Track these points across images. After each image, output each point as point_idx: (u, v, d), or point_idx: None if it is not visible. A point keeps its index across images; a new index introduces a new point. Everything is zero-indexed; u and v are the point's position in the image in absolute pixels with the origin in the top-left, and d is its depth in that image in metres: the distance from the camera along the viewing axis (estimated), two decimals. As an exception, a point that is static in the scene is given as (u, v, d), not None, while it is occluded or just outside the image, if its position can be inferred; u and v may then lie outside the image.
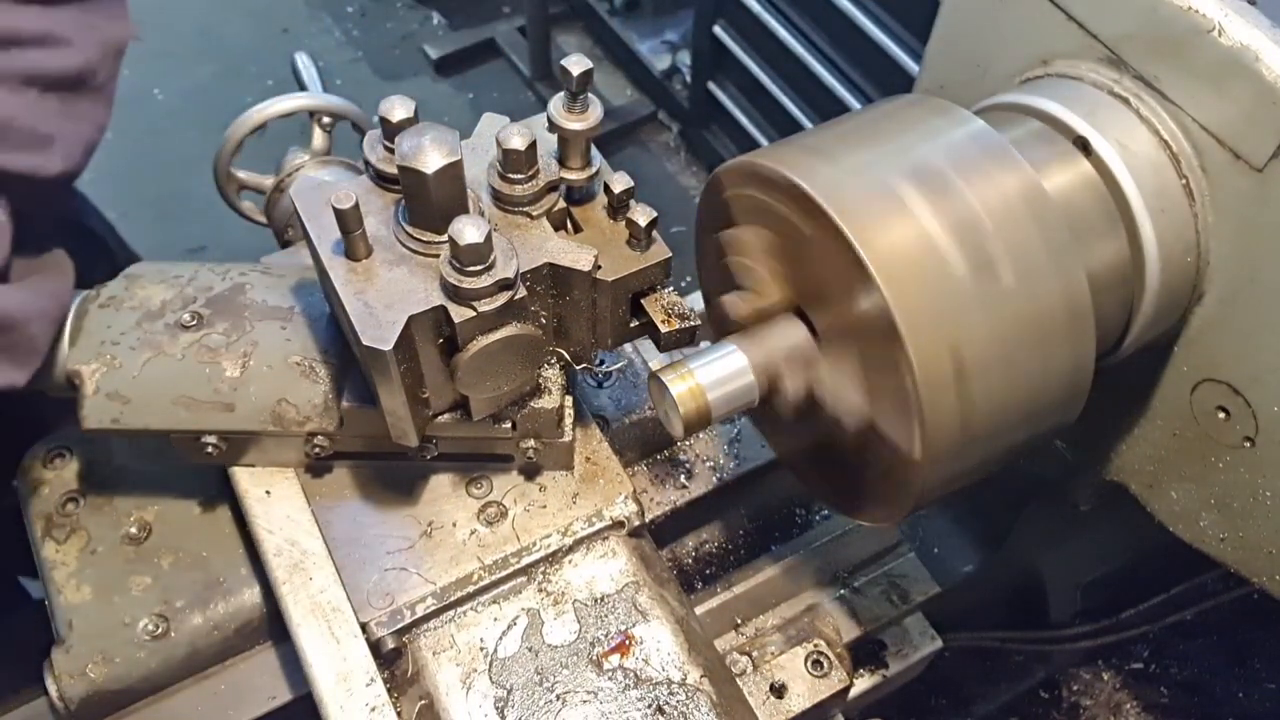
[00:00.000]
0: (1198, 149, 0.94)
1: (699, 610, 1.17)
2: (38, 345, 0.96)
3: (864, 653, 1.26)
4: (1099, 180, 0.96)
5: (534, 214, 0.92)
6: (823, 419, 0.93)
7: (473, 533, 1.02)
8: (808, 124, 2.82)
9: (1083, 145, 0.97)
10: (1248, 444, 1.00)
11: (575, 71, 0.89)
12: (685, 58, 3.44)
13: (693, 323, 0.97)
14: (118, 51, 1.08)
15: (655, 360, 1.18)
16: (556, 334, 0.97)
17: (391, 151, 0.90)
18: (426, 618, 0.98)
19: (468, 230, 0.81)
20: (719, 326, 1.02)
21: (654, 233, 0.94)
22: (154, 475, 1.09)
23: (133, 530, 1.06)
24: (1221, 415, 1.01)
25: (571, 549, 1.03)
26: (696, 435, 1.22)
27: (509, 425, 0.98)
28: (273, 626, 1.05)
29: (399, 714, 0.93)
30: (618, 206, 0.95)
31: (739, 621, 1.22)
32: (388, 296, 0.86)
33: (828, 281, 0.87)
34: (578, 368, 1.01)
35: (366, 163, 0.91)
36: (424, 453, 1.01)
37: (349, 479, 1.05)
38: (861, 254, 0.81)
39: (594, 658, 0.97)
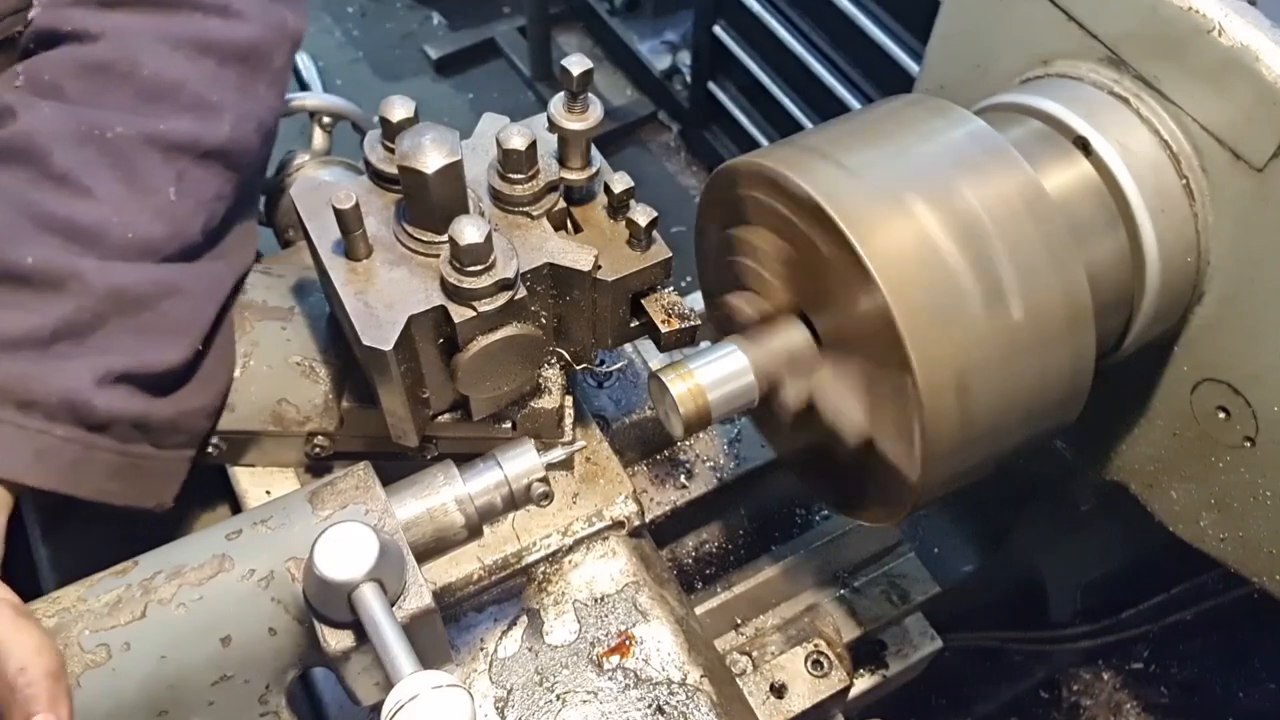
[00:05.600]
0: (1198, 149, 0.94)
1: (699, 610, 1.17)
2: (184, 324, 0.94)
3: (864, 653, 1.26)
4: (1099, 180, 0.96)
5: (534, 214, 0.92)
6: (821, 426, 0.93)
7: (473, 533, 1.02)
8: (808, 124, 2.81)
9: (1083, 145, 0.97)
10: (1248, 444, 1.00)
11: (575, 71, 0.89)
12: (685, 58, 3.44)
13: (693, 323, 0.97)
14: (293, 42, 1.07)
15: (655, 360, 1.18)
16: (557, 334, 0.97)
17: (391, 151, 0.89)
18: (426, 618, 0.98)
19: (468, 230, 0.81)
20: (721, 324, 1.02)
21: (654, 233, 0.94)
22: (154, 475, 1.09)
23: (133, 530, 1.06)
24: (1221, 415, 1.01)
25: (571, 549, 1.03)
26: (696, 435, 1.22)
27: (509, 425, 0.98)
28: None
29: (399, 714, 0.93)
30: (618, 206, 0.95)
31: (739, 621, 1.22)
32: (388, 296, 0.86)
33: (830, 283, 0.87)
34: (578, 368, 1.01)
35: (366, 163, 0.91)
36: (424, 453, 1.01)
37: (349, 479, 1.05)
38: (863, 256, 0.81)
39: (594, 658, 0.97)
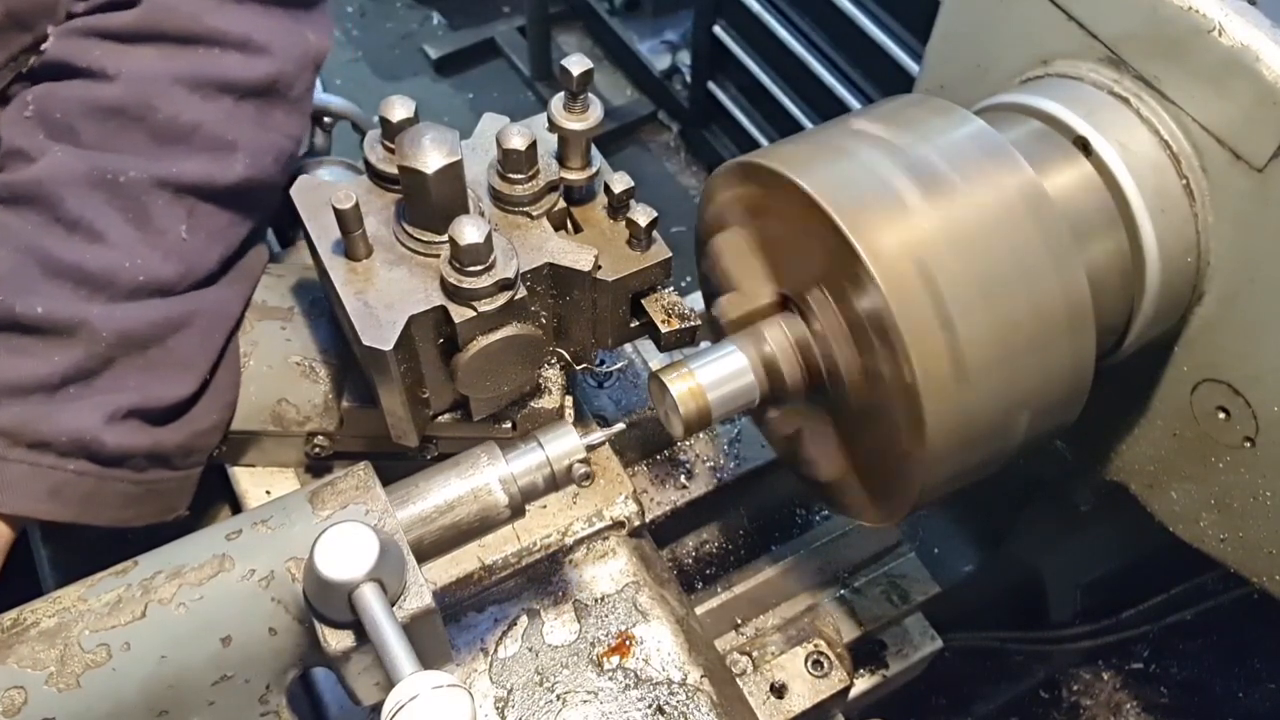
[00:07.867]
0: (1198, 149, 0.94)
1: (699, 610, 1.17)
2: (192, 358, 0.93)
3: (864, 653, 1.26)
4: (1099, 180, 0.96)
5: (534, 214, 0.92)
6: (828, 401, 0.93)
7: (473, 533, 1.02)
8: (808, 124, 2.81)
9: (1083, 145, 0.97)
10: (1248, 444, 1.00)
11: (575, 71, 0.89)
12: (685, 58, 3.44)
13: (693, 323, 0.97)
14: (315, 64, 1.06)
15: (655, 360, 1.18)
16: (557, 334, 0.97)
17: (391, 151, 0.90)
18: (426, 618, 0.98)
19: (468, 230, 0.81)
20: (720, 325, 1.02)
21: (654, 233, 0.94)
22: (154, 475, 1.09)
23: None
24: (1221, 415, 1.01)
25: (571, 549, 1.03)
26: (696, 435, 1.23)
27: (509, 425, 0.98)
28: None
29: (399, 714, 0.93)
30: (618, 206, 0.95)
31: (739, 621, 1.22)
32: (388, 296, 0.86)
33: (826, 282, 0.87)
34: (578, 368, 1.01)
35: (366, 163, 0.91)
36: (424, 453, 1.01)
37: (349, 479, 1.05)
38: (860, 253, 0.81)
39: (594, 658, 0.97)
